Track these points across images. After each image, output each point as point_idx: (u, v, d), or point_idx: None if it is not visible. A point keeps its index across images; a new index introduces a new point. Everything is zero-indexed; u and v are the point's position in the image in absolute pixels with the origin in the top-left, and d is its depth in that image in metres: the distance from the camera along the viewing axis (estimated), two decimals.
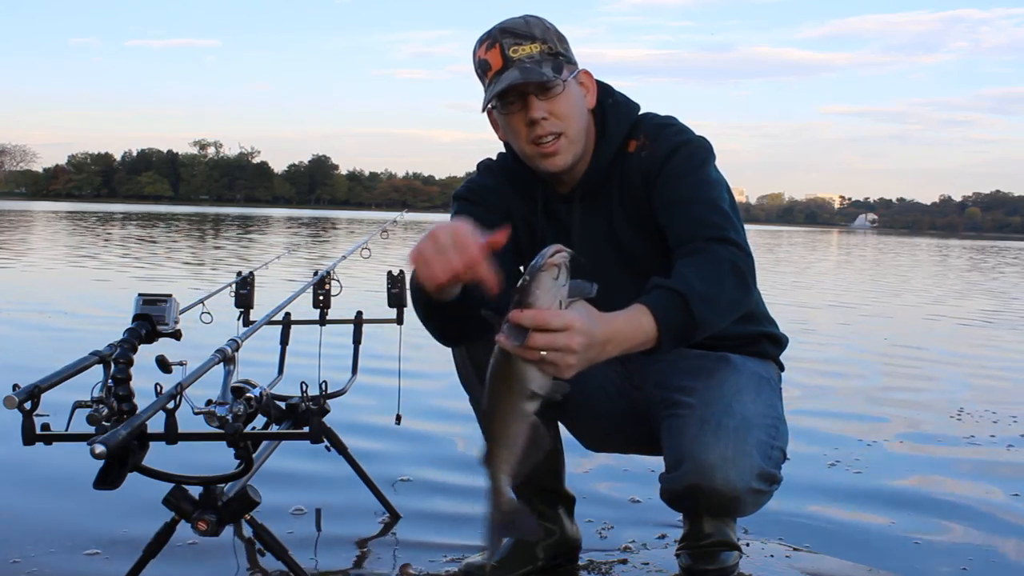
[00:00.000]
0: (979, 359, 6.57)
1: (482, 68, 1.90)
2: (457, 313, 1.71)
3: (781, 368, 2.19)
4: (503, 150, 2.10)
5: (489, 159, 2.14)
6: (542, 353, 1.38)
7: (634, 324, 1.58)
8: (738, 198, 2.10)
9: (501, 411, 1.46)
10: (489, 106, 1.92)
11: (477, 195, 2.07)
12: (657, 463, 2.01)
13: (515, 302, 1.39)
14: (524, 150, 1.94)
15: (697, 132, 2.00)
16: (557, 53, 1.88)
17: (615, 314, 1.55)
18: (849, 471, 3.30)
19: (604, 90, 2.02)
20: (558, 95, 1.87)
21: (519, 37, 1.86)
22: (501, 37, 1.86)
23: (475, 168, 2.15)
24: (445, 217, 1.95)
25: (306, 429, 1.90)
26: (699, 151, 1.94)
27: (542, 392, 1.44)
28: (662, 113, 2.06)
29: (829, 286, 13.90)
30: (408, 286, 1.89)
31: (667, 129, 1.98)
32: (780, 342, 2.18)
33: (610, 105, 2.00)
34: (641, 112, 2.04)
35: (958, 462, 3.53)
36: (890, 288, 14.03)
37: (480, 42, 1.90)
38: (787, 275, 15.83)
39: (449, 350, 2.11)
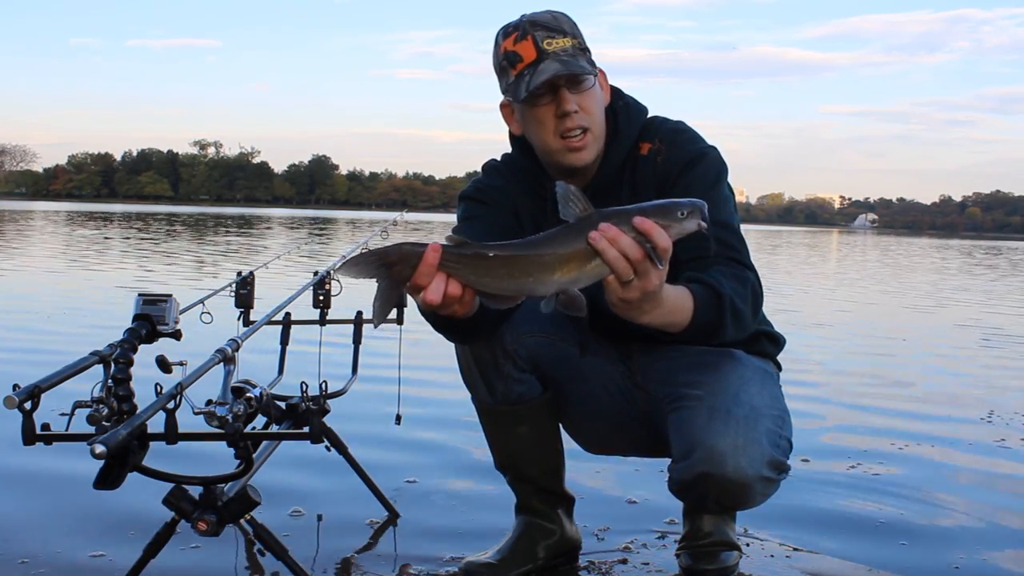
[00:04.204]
0: (1011, 362, 6.48)
1: (509, 60, 1.87)
2: (476, 324, 1.74)
3: (779, 368, 2.19)
4: (506, 150, 2.10)
5: (494, 160, 2.14)
6: (632, 261, 1.40)
7: (681, 302, 1.64)
8: (738, 198, 2.11)
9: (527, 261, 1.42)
10: (507, 99, 1.92)
11: (485, 195, 2.07)
12: (659, 463, 2.01)
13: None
14: (549, 144, 1.92)
15: (701, 134, 2.02)
16: (585, 48, 1.89)
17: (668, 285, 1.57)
18: (868, 473, 3.28)
19: (614, 92, 2.03)
20: (588, 90, 1.88)
21: (551, 31, 1.86)
22: (532, 29, 1.85)
23: (480, 170, 2.15)
24: (445, 217, 1.95)
25: (306, 429, 1.91)
26: (715, 164, 1.97)
27: (568, 289, 1.42)
28: (665, 114, 2.07)
29: (839, 291, 13.84)
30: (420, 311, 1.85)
31: (682, 136, 2.00)
32: (778, 341, 2.18)
33: (621, 107, 2.01)
34: (650, 115, 2.05)
35: (981, 466, 3.50)
36: (902, 289, 13.91)
37: (506, 34, 1.88)
38: (794, 276, 15.82)
39: (450, 350, 2.12)
